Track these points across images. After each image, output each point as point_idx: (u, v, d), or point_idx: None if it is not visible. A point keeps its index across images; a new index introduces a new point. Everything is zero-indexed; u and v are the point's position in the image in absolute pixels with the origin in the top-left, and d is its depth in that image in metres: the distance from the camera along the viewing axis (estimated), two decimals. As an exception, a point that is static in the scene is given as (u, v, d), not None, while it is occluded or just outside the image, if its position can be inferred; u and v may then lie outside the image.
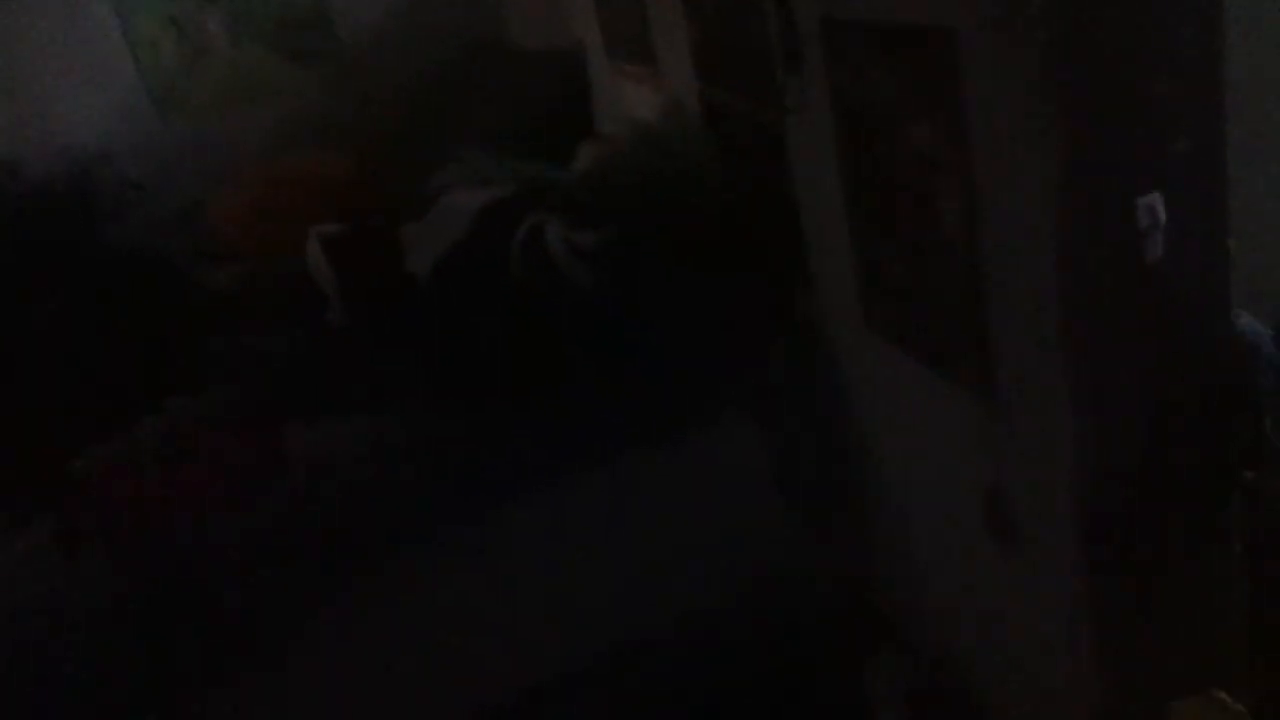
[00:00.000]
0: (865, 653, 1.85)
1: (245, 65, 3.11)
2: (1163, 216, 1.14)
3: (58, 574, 1.74)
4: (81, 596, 1.71)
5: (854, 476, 1.90)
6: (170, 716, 1.62)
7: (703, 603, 1.85)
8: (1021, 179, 1.21)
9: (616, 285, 1.83)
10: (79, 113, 2.91)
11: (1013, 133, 1.21)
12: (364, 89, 3.02)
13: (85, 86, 2.94)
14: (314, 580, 1.68)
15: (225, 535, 1.71)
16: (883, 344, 1.66)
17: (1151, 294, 1.20)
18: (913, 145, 1.43)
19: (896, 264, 1.57)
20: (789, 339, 1.86)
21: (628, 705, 1.83)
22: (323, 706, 1.74)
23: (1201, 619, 1.34)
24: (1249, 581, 1.33)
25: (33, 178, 2.65)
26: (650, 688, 1.84)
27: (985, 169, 1.27)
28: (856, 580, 1.96)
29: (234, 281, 2.50)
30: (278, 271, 2.39)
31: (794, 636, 1.87)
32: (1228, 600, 1.34)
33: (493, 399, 1.80)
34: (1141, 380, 1.24)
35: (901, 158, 1.47)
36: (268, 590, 1.67)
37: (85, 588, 1.72)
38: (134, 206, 2.72)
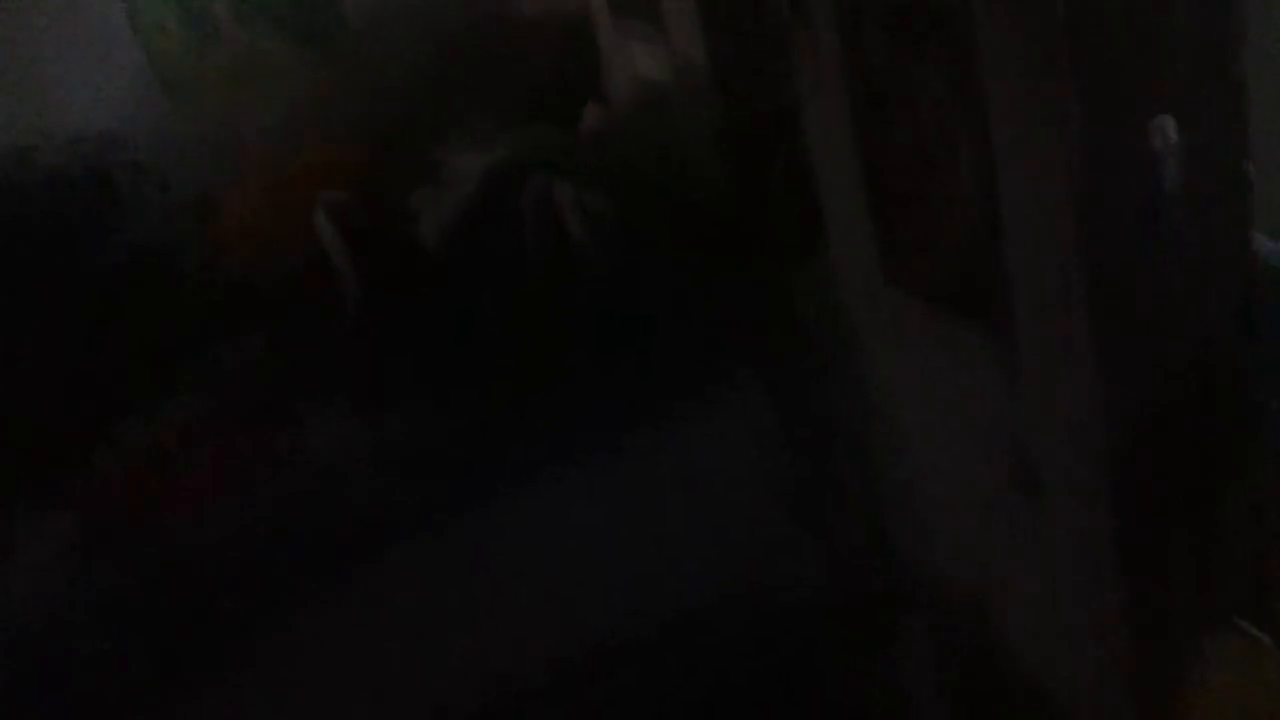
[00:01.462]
0: (891, 621, 1.83)
1: (253, 48, 3.10)
2: (1174, 138, 1.11)
3: (63, 571, 1.75)
4: (86, 593, 1.71)
5: (875, 438, 1.88)
6: (169, 709, 1.62)
7: (719, 578, 1.83)
8: (1035, 117, 1.18)
9: (626, 247, 1.82)
10: (88, 100, 2.90)
11: (1026, 70, 1.18)
12: (372, 68, 3.01)
13: (93, 73, 2.93)
14: (315, 574, 1.67)
15: (228, 530, 1.71)
16: (902, 299, 1.63)
17: (1171, 224, 1.17)
18: (926, 92, 1.41)
19: (914, 216, 1.54)
20: (806, 298, 1.84)
21: (639, 698, 1.81)
22: (319, 702, 1.73)
23: (1231, 554, 1.32)
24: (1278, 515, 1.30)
25: (46, 165, 2.65)
26: (661, 680, 1.82)
27: (999, 111, 1.24)
28: (878, 545, 1.94)
29: (245, 269, 2.49)
30: (291, 261, 2.38)
31: (816, 614, 1.85)
32: (1257, 533, 1.31)
33: (502, 375, 1.79)
34: (1161, 315, 1.22)
35: (915, 107, 1.44)
36: (269, 585, 1.66)
37: (89, 584, 1.73)
38: (146, 194, 2.72)
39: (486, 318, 1.81)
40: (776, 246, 1.85)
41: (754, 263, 1.85)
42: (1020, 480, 1.46)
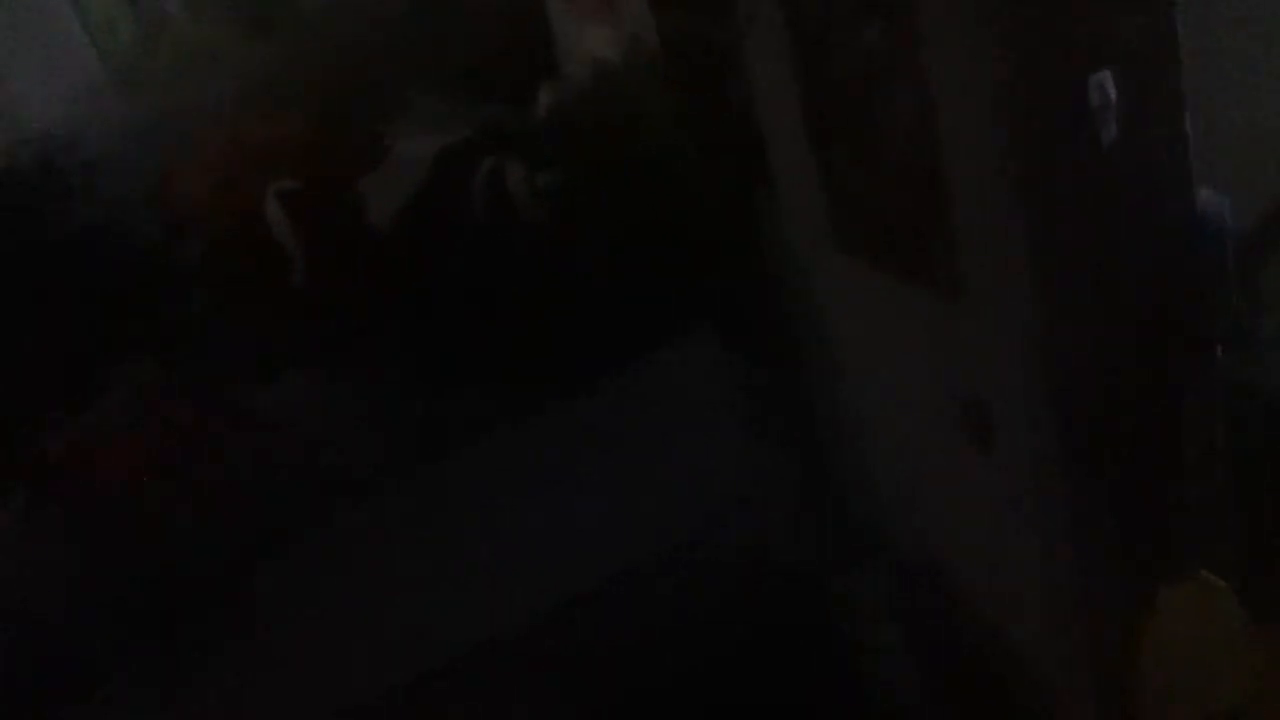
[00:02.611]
0: (847, 569, 1.85)
1: (204, 38, 3.07)
2: (1113, 94, 1.12)
3: (28, 548, 1.74)
4: (51, 568, 1.71)
5: (827, 392, 1.89)
6: (138, 679, 1.62)
7: (676, 533, 1.85)
8: (972, 73, 1.19)
9: (579, 225, 1.83)
10: (39, 97, 2.87)
11: (962, 25, 1.19)
12: (322, 52, 2.98)
13: (43, 70, 2.91)
14: (280, 537, 1.68)
15: (188, 500, 1.71)
16: (851, 259, 1.65)
17: (1110, 178, 1.19)
18: (865, 50, 1.41)
19: (859, 176, 1.55)
20: (757, 262, 1.85)
21: (602, 644, 1.83)
22: (288, 664, 1.74)
23: (1182, 502, 1.34)
24: (1228, 461, 1.32)
25: (-5, 166, 2.63)
26: (622, 625, 1.84)
27: (937, 66, 1.25)
28: (834, 496, 1.96)
29: (197, 251, 2.48)
30: (240, 238, 2.36)
31: (771, 561, 1.87)
32: (1208, 482, 1.33)
33: (456, 345, 1.80)
34: (1106, 267, 1.23)
35: (855, 66, 1.45)
36: (224, 556, 1.67)
37: (54, 559, 1.72)
38: (99, 185, 2.70)
39: (440, 300, 1.82)
40: (729, 215, 1.86)
41: (707, 233, 1.86)
42: (972, 434, 1.48)
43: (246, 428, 1.84)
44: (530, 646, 1.81)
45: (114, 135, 2.80)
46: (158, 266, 2.38)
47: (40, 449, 1.83)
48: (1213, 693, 1.33)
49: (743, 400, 1.96)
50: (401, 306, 1.89)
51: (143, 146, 2.80)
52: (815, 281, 1.81)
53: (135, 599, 1.66)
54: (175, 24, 3.02)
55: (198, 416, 1.79)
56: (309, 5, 2.99)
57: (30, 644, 1.64)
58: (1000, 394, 1.40)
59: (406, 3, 2.89)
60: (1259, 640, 1.27)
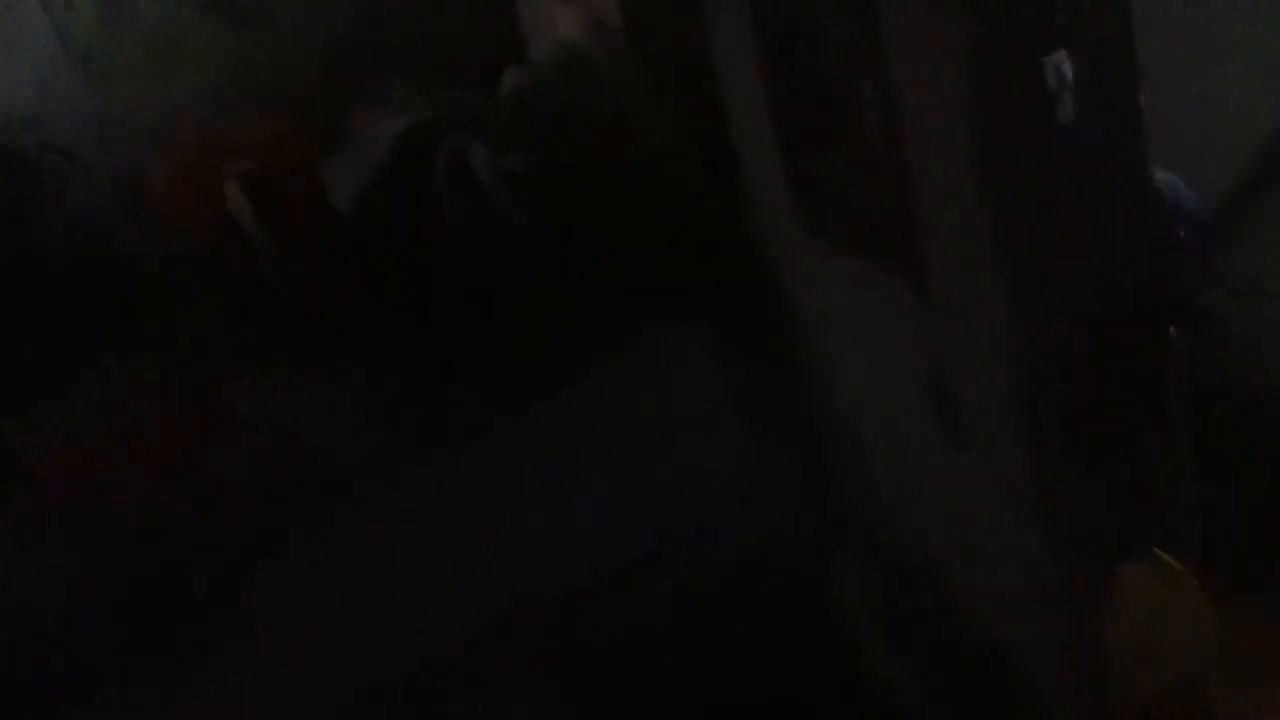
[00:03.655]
0: (829, 559, 1.86)
1: (169, 26, 3.04)
2: (1069, 74, 1.13)
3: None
4: (31, 569, 1.70)
5: (802, 383, 1.90)
6: (119, 683, 1.62)
7: (662, 526, 1.85)
8: (933, 56, 1.19)
9: (546, 208, 1.82)
10: (2, 87, 2.84)
11: (922, 9, 1.19)
12: (287, 37, 2.96)
13: (5, 59, 2.87)
14: (263, 535, 1.67)
15: (169, 497, 1.70)
16: (819, 246, 1.65)
17: (1068, 158, 1.19)
18: (828, 35, 1.41)
19: (823, 162, 1.55)
20: (726, 251, 1.85)
21: (588, 638, 1.83)
22: (281, 661, 1.73)
23: (1143, 484, 1.35)
24: (1189, 441, 1.34)
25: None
26: (608, 619, 1.84)
27: (898, 50, 1.26)
28: (813, 486, 1.97)
29: (171, 248, 2.47)
30: (211, 232, 2.35)
31: (749, 552, 1.88)
32: (1169, 463, 1.34)
33: (425, 334, 1.80)
34: (1066, 248, 1.24)
35: (819, 50, 1.45)
36: (217, 551, 1.66)
37: (34, 559, 1.71)
38: (66, 177, 2.67)
39: (404, 284, 1.81)
40: (696, 200, 1.86)
41: (675, 218, 1.86)
42: (943, 419, 1.49)
43: (221, 422, 1.83)
44: (525, 644, 1.81)
45: (83, 124, 2.78)
46: (124, 259, 2.36)
47: (18, 457, 1.82)
48: (1173, 664, 1.35)
49: (715, 387, 1.96)
50: (370, 294, 1.88)
51: (113, 135, 2.78)
52: (784, 266, 1.81)
53: (111, 602, 1.65)
54: (140, 11, 2.99)
55: (170, 412, 1.78)
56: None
57: (15, 646, 1.63)
58: (966, 380, 1.41)
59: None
60: (1215, 615, 1.29)
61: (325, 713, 1.74)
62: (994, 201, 1.21)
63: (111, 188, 2.72)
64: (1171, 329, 1.25)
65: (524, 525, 1.83)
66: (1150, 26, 1.19)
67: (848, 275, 1.60)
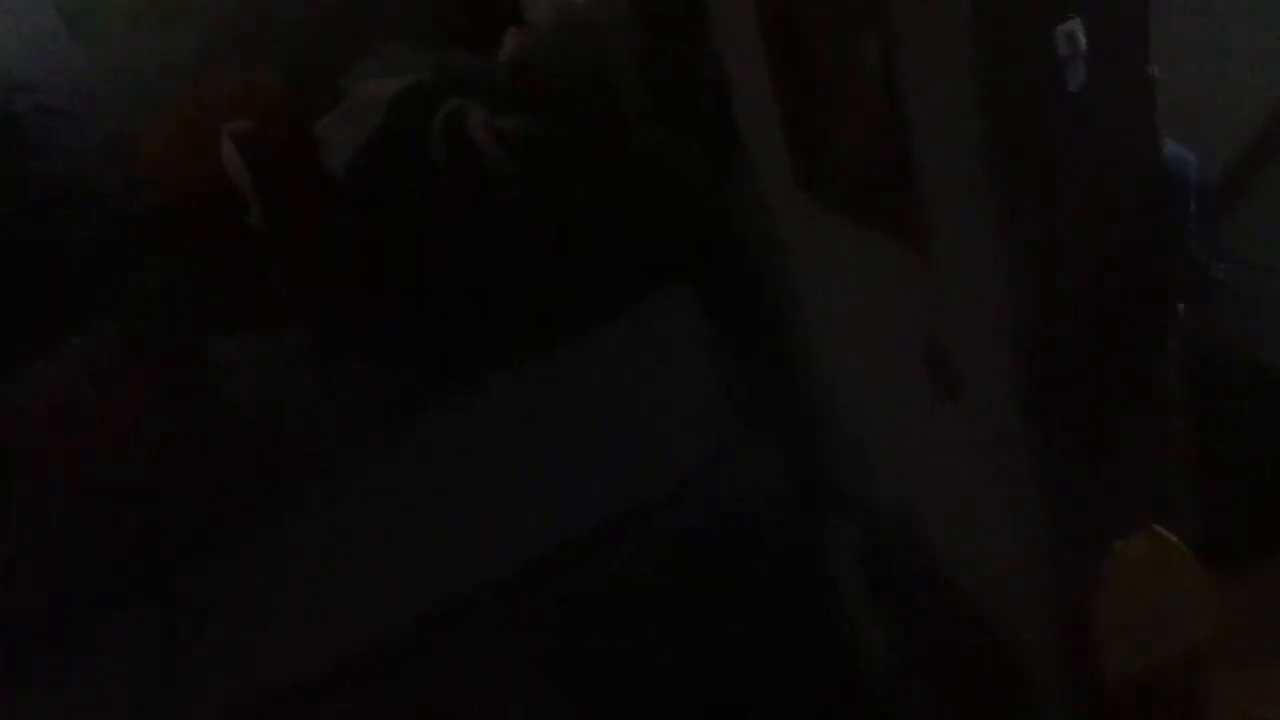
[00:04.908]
0: (818, 522, 1.85)
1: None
2: (1083, 43, 1.11)
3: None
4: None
5: (795, 343, 1.89)
6: (91, 650, 1.61)
7: (649, 488, 1.84)
8: (937, 15, 1.17)
9: (541, 171, 1.80)
10: (-5, 40, 2.80)
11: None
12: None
13: (-1, 13, 2.83)
14: (241, 498, 1.66)
15: (148, 456, 1.69)
16: (817, 206, 1.63)
17: (1076, 124, 1.17)
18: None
19: (823, 123, 1.53)
20: (724, 210, 1.83)
21: (573, 602, 1.82)
22: (251, 625, 1.72)
23: (1142, 457, 1.34)
24: (1189, 417, 1.33)
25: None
26: (595, 583, 1.83)
27: (903, 8, 1.23)
28: (803, 449, 1.96)
29: (159, 205, 2.44)
30: (201, 194, 2.32)
31: (741, 512, 1.87)
32: (1168, 437, 1.33)
33: (417, 295, 1.78)
34: (1070, 215, 1.22)
35: (821, 10, 1.43)
36: (185, 516, 1.65)
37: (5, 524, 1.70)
38: (56, 134, 2.64)
39: (398, 243, 1.79)
40: (695, 161, 1.84)
41: (674, 179, 1.84)
42: (939, 384, 1.48)
43: (206, 383, 1.82)
44: (498, 607, 1.80)
45: (70, 79, 2.74)
46: (115, 215, 2.34)
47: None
48: (1168, 640, 1.35)
49: (711, 348, 1.95)
50: (357, 256, 1.86)
51: (103, 95, 2.74)
52: (780, 228, 1.79)
53: (84, 564, 1.64)
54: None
55: (155, 374, 1.76)
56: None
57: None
58: (964, 342, 1.40)
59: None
60: (1212, 590, 1.28)
61: (286, 682, 1.74)
62: (998, 168, 1.19)
63: (103, 145, 2.70)
64: (1177, 303, 1.23)
65: (508, 491, 1.82)
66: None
67: (845, 236, 1.58)
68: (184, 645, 1.70)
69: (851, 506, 1.89)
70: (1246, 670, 1.35)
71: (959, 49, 1.14)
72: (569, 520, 1.81)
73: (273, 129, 2.02)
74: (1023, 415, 1.32)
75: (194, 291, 2.01)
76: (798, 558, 1.90)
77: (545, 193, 1.86)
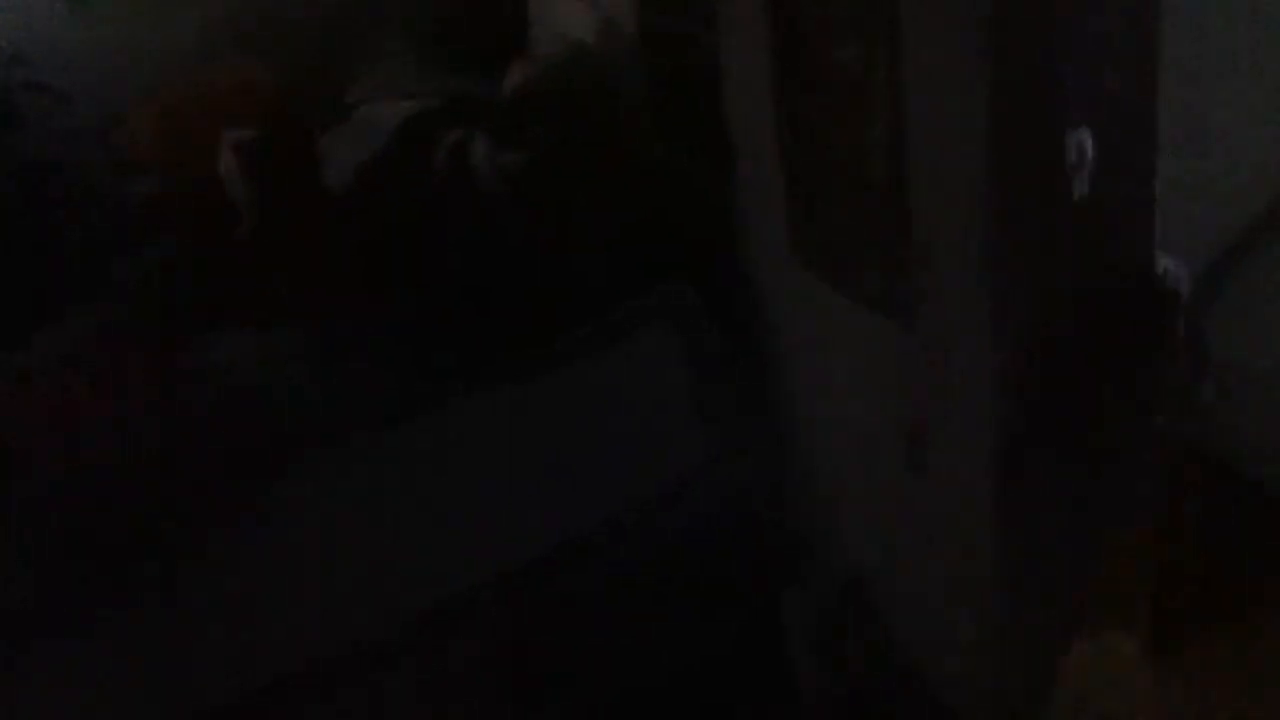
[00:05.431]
0: (780, 575, 1.86)
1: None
2: (1090, 153, 1.13)
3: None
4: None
5: (773, 399, 1.90)
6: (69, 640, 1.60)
7: (613, 518, 1.84)
8: (950, 109, 1.19)
9: (542, 206, 1.81)
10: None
11: (944, 61, 1.19)
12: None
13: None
14: (219, 492, 1.65)
15: (123, 447, 1.67)
16: (807, 272, 1.64)
17: (1076, 231, 1.19)
18: (845, 70, 1.41)
19: (825, 193, 1.55)
20: (714, 262, 1.84)
21: (529, 623, 1.82)
22: (225, 624, 1.71)
23: (1109, 560, 1.36)
24: (1156, 525, 1.35)
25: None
26: (554, 606, 1.84)
27: (916, 97, 1.25)
28: (772, 501, 1.97)
29: (150, 192, 2.42)
30: (193, 184, 2.31)
31: (707, 557, 1.88)
32: (1133, 543, 1.35)
33: (406, 311, 1.78)
34: (1063, 318, 1.24)
35: (834, 84, 1.44)
36: (171, 505, 1.64)
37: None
38: (48, 113, 2.62)
39: (392, 266, 1.79)
40: (691, 212, 1.85)
41: (668, 227, 1.85)
42: (914, 458, 1.49)
43: (190, 377, 1.80)
44: (470, 618, 1.80)
45: (67, 60, 2.72)
46: (104, 204, 2.32)
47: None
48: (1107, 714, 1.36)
49: (692, 395, 1.96)
50: (352, 269, 1.86)
51: (98, 76, 2.72)
52: (771, 288, 1.80)
53: (65, 552, 1.62)
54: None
55: (140, 365, 1.75)
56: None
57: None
58: (943, 424, 1.41)
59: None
60: (1150, 670, 1.30)
61: (282, 679, 1.73)
62: (995, 258, 1.21)
63: (95, 127, 2.67)
64: (1158, 414, 1.25)
65: (496, 493, 1.82)
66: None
67: (833, 302, 1.59)
68: (177, 641, 1.69)
69: (811, 557, 1.91)
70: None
71: (973, 146, 1.16)
72: (558, 522, 1.81)
73: (273, 137, 2.01)
74: (995, 504, 1.34)
75: (185, 283, 1.99)
76: (755, 603, 1.91)
77: (541, 224, 1.87)
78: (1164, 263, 1.21)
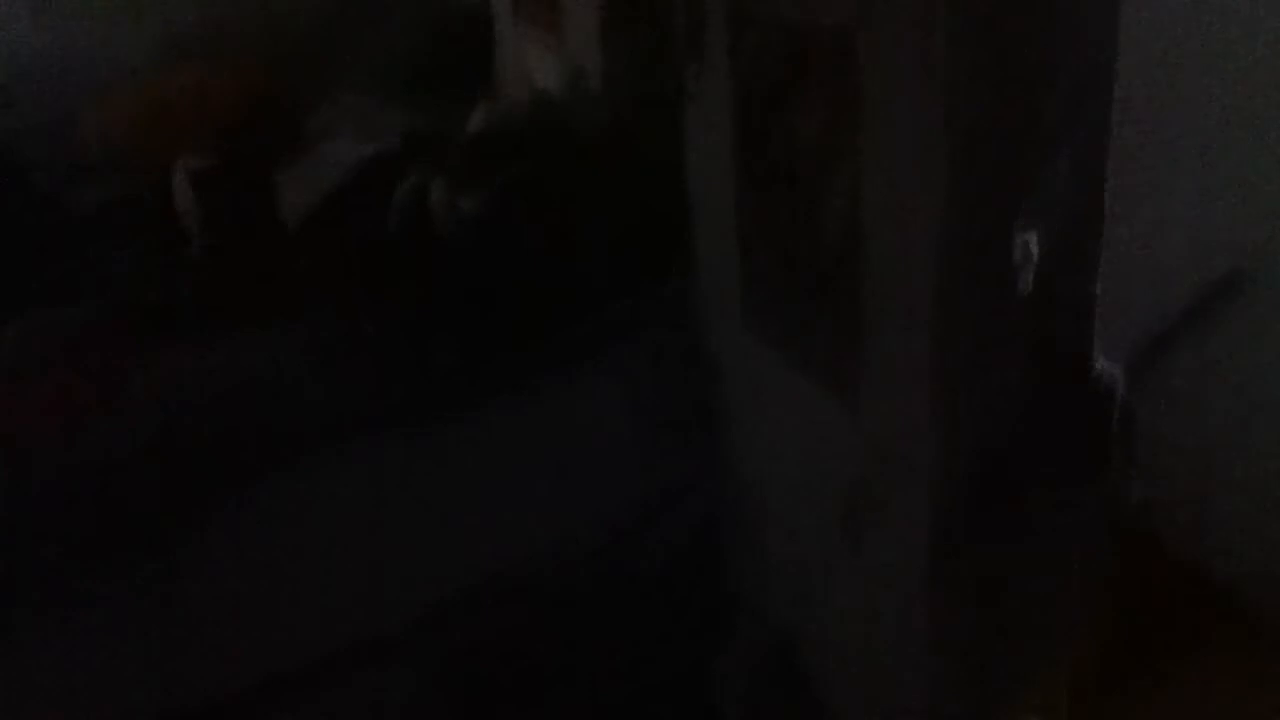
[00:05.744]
0: (714, 630, 1.87)
1: (134, -24, 2.95)
2: (1036, 254, 1.16)
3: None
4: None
5: (715, 458, 1.91)
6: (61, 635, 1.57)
7: (555, 559, 1.85)
8: (905, 197, 1.22)
9: (497, 252, 1.81)
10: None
11: (900, 148, 1.22)
12: (259, 7, 2.88)
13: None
14: (174, 506, 1.63)
15: (71, 456, 1.65)
16: (756, 339, 1.66)
17: (1018, 325, 1.23)
18: (804, 145, 1.43)
19: (779, 265, 1.57)
20: (664, 320, 1.86)
21: (467, 661, 1.82)
22: (187, 638, 1.69)
23: (1032, 647, 1.39)
24: (1089, 602, 1.38)
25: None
26: (498, 644, 1.83)
27: (871, 183, 1.28)
28: (708, 559, 1.99)
29: (102, 198, 2.39)
30: (148, 192, 2.28)
31: (643, 606, 1.89)
32: (1059, 635, 1.38)
33: (352, 348, 1.77)
34: (1002, 407, 1.27)
35: (792, 157, 1.47)
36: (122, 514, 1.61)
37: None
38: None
39: (340, 303, 1.78)
40: (645, 273, 1.86)
41: (623, 279, 1.86)
42: (849, 529, 1.51)
43: (130, 388, 1.77)
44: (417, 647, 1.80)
45: (23, 61, 2.67)
46: (53, 210, 2.28)
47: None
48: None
49: (635, 450, 1.97)
50: (299, 304, 1.84)
51: (55, 78, 2.67)
52: (720, 350, 1.82)
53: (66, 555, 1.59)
54: (106, -47, 2.89)
55: (79, 369, 1.71)
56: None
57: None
58: (880, 499, 1.44)
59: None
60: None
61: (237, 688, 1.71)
62: (938, 347, 1.24)
63: (49, 129, 2.63)
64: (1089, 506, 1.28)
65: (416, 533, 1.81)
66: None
67: (782, 370, 1.62)
68: (171, 639, 1.66)
69: (744, 617, 1.92)
70: None
71: (924, 238, 1.18)
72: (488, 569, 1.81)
73: (229, 166, 1.99)
74: (927, 582, 1.36)
75: (136, 286, 1.95)
76: (688, 659, 1.92)
77: (493, 274, 1.87)
78: (1101, 363, 1.24)
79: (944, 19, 1.12)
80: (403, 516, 1.87)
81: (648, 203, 1.95)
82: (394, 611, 1.83)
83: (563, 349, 1.92)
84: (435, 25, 2.55)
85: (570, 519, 1.90)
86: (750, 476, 1.83)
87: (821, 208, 1.37)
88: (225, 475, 1.78)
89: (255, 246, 1.94)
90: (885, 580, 1.45)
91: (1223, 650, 1.63)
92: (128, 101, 2.41)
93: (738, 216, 1.63)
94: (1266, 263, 1.63)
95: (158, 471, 1.76)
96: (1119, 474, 1.28)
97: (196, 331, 1.96)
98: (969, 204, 1.15)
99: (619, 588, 1.95)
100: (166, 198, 2.20)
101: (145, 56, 2.61)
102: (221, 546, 1.78)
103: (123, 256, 2.15)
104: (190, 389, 1.86)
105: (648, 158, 1.99)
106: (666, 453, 1.98)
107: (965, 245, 1.17)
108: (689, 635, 1.92)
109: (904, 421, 1.33)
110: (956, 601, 1.38)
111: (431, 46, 2.46)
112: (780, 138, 1.47)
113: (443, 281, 1.91)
